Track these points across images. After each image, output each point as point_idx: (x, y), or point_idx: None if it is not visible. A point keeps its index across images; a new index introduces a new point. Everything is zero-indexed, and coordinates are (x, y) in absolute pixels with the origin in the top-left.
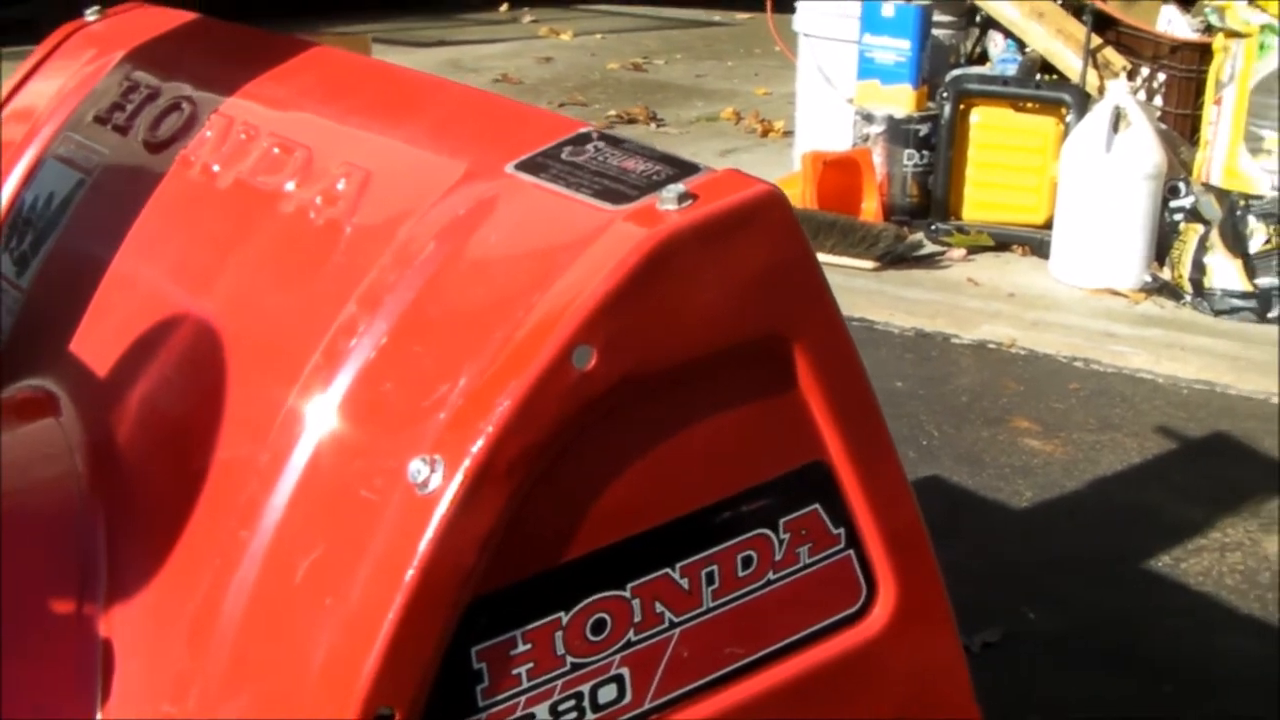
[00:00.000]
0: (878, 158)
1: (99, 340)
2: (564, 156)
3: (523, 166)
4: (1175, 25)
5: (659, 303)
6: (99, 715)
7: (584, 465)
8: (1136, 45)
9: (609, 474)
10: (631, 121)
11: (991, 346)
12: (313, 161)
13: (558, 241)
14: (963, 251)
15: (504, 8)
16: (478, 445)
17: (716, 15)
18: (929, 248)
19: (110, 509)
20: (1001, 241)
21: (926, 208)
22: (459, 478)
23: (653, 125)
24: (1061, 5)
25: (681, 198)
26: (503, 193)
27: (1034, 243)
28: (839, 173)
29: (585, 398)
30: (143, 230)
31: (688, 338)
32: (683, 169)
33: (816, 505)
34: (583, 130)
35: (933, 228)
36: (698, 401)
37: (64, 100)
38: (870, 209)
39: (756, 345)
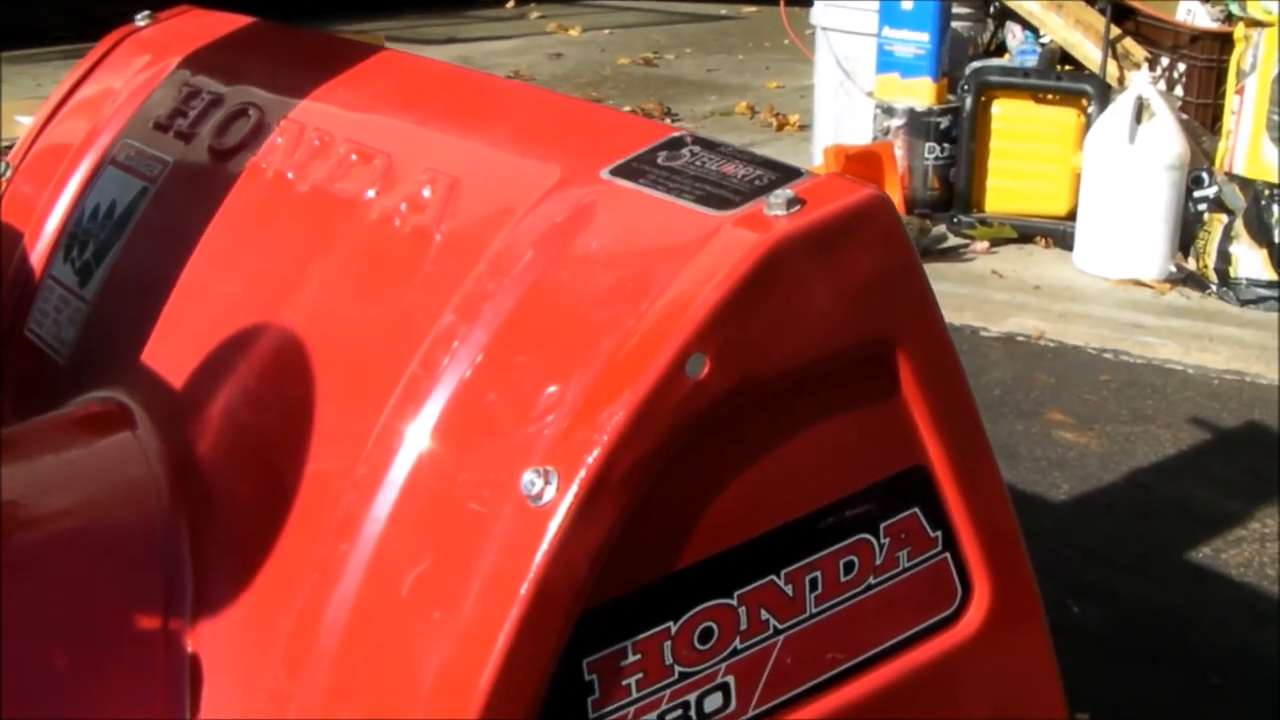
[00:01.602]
0: (899, 151)
1: (172, 351)
2: (660, 161)
3: (619, 172)
4: (1195, 15)
5: (769, 309)
6: None
7: (694, 474)
8: (1156, 35)
9: (718, 482)
10: (646, 117)
11: (1020, 339)
12: (394, 168)
13: (663, 248)
14: (986, 244)
15: (510, 4)
16: (592, 456)
17: (723, 9)
18: (952, 240)
19: (194, 522)
20: (1024, 233)
21: (948, 200)
22: (574, 490)
23: (667, 120)
24: None
25: (790, 203)
26: (601, 199)
27: (1057, 234)
28: (860, 166)
29: (697, 407)
30: (214, 239)
31: (796, 344)
32: (785, 173)
33: (916, 509)
34: (677, 134)
35: (955, 220)
36: (805, 408)
37: (120, 107)
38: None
39: (863, 350)
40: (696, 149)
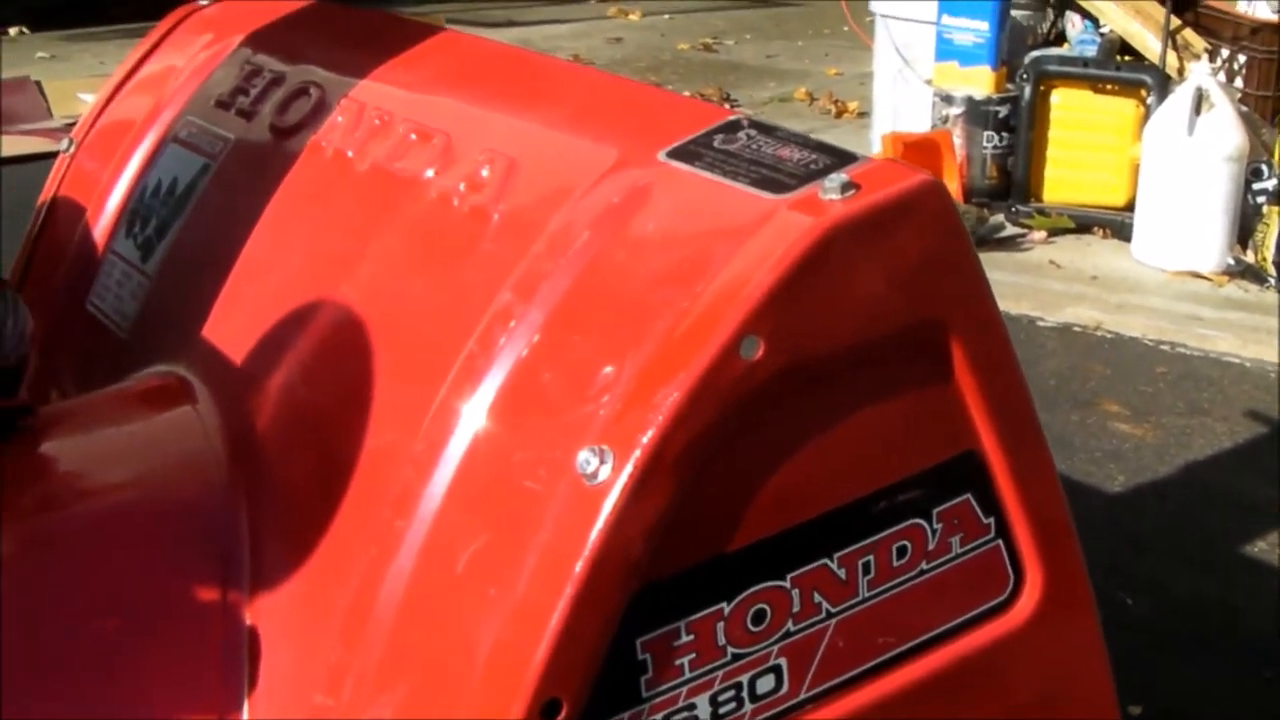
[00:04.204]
0: (957, 139)
1: (233, 327)
2: (716, 144)
3: (675, 154)
4: (1256, 6)
5: (824, 293)
6: (246, 704)
7: (748, 455)
8: (1216, 26)
9: (772, 464)
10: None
11: (1077, 329)
12: (452, 147)
13: (718, 230)
14: (1043, 234)
15: None
16: (647, 436)
17: None
18: (1009, 230)
19: (252, 496)
20: (1082, 223)
21: (1006, 189)
22: (629, 469)
23: (726, 106)
24: None
25: (845, 187)
26: (657, 181)
27: (1114, 225)
28: (919, 154)
29: (751, 388)
30: (274, 216)
31: (850, 328)
32: (840, 158)
33: (969, 495)
34: (733, 117)
35: (1013, 210)
36: (858, 391)
37: (183, 84)
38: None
39: (916, 335)
40: (753, 132)
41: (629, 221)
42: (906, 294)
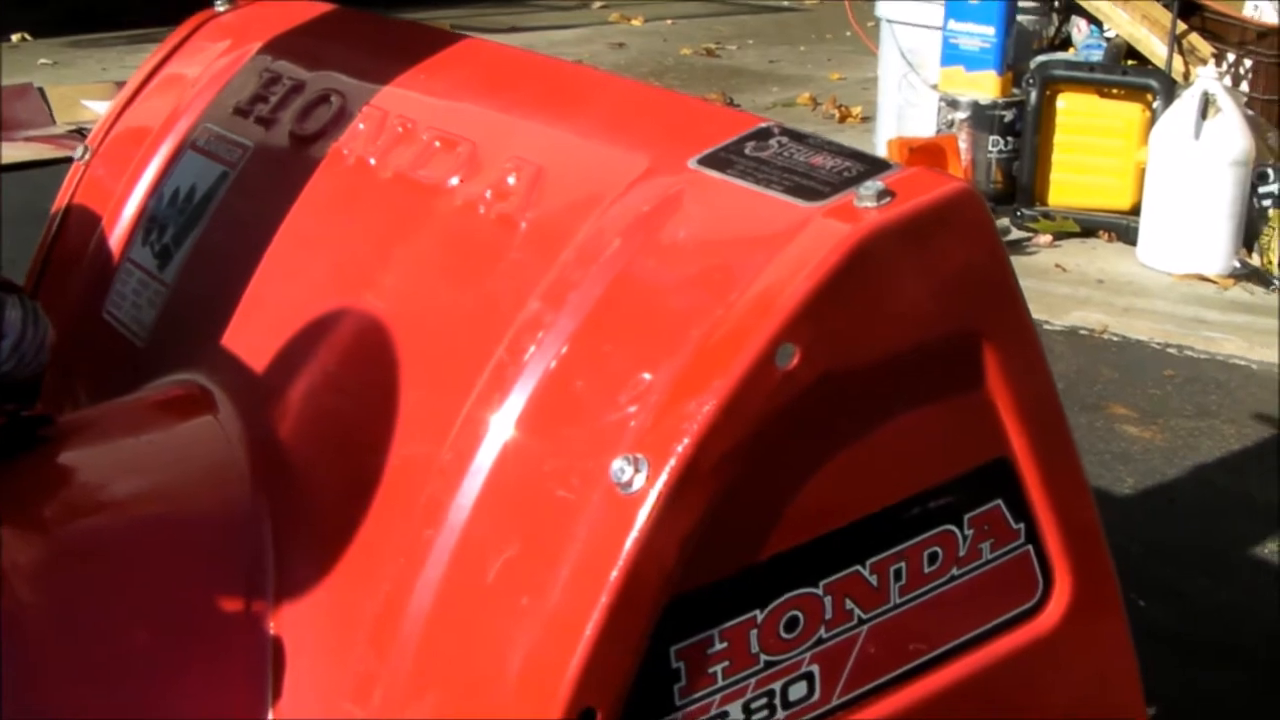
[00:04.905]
0: (963, 144)
1: (253, 335)
2: (748, 152)
3: (706, 162)
4: (1263, 10)
5: (859, 301)
6: (270, 713)
7: (782, 463)
8: (1222, 31)
9: (805, 472)
10: None
11: (1083, 333)
12: (478, 155)
13: (752, 238)
14: (1049, 237)
15: None
16: (682, 445)
17: (785, 0)
18: (1015, 234)
19: (276, 506)
20: (1087, 227)
21: (1011, 194)
22: (663, 478)
23: None
24: None
25: (880, 194)
26: (688, 188)
27: (1120, 228)
28: (924, 158)
29: (786, 397)
30: (296, 224)
31: (885, 336)
32: (874, 165)
33: (999, 501)
34: (764, 124)
35: (1018, 214)
36: (892, 398)
37: (200, 91)
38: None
39: (949, 342)
40: (784, 139)
41: (660, 229)
42: (942, 301)
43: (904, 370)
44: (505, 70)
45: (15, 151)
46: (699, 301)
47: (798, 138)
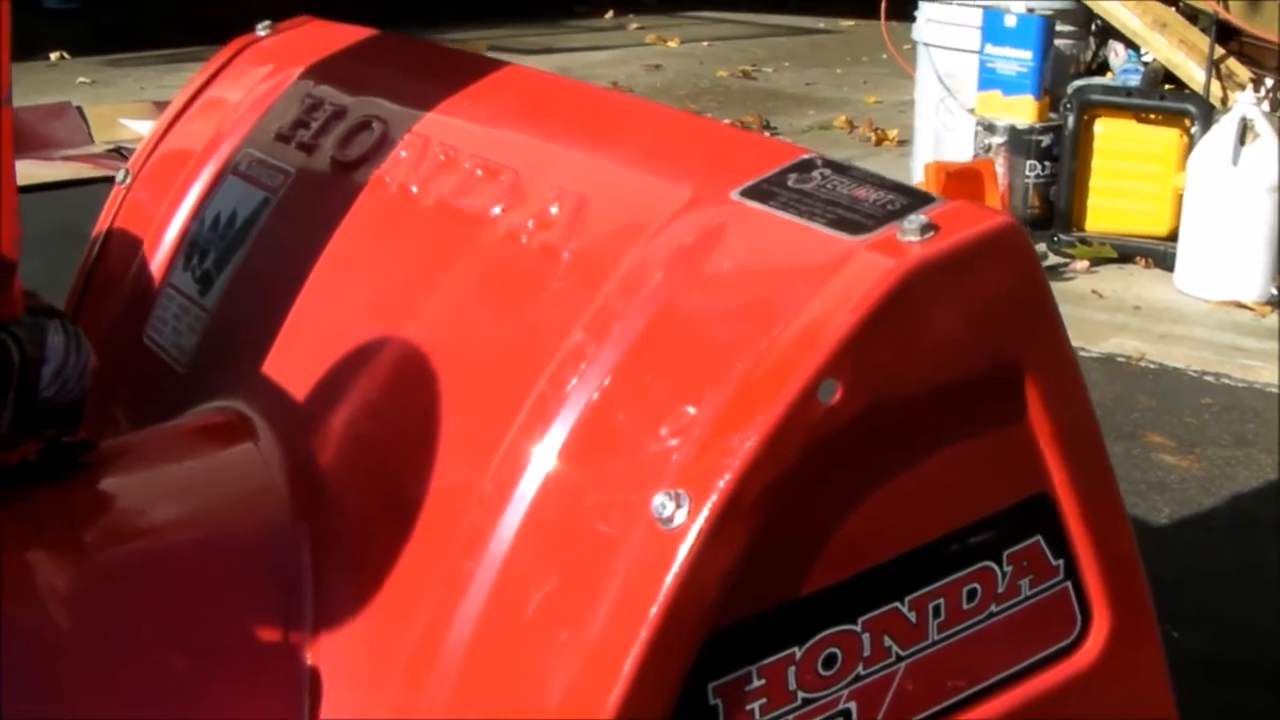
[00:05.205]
0: (1000, 168)
1: (294, 363)
2: (790, 184)
3: (749, 193)
4: None
5: (903, 336)
6: None
7: (823, 499)
8: (1260, 56)
9: (846, 507)
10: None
11: (1120, 360)
12: (521, 184)
13: (796, 271)
14: (1086, 263)
15: (609, 14)
16: (724, 480)
17: (821, 22)
18: (1052, 259)
19: (315, 535)
20: (1124, 253)
21: (1048, 219)
22: (705, 513)
23: (766, 134)
24: (1183, 15)
25: (924, 229)
26: (731, 220)
27: (1157, 254)
28: (961, 183)
29: (828, 432)
30: (337, 252)
31: (928, 371)
32: (917, 198)
33: (1039, 537)
34: (806, 156)
35: (1055, 239)
36: (934, 434)
37: (242, 116)
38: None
39: (992, 377)
40: (827, 171)
41: (703, 261)
42: (985, 337)
43: (946, 405)
44: (545, 97)
45: (54, 170)
46: (742, 334)
47: (840, 169)
